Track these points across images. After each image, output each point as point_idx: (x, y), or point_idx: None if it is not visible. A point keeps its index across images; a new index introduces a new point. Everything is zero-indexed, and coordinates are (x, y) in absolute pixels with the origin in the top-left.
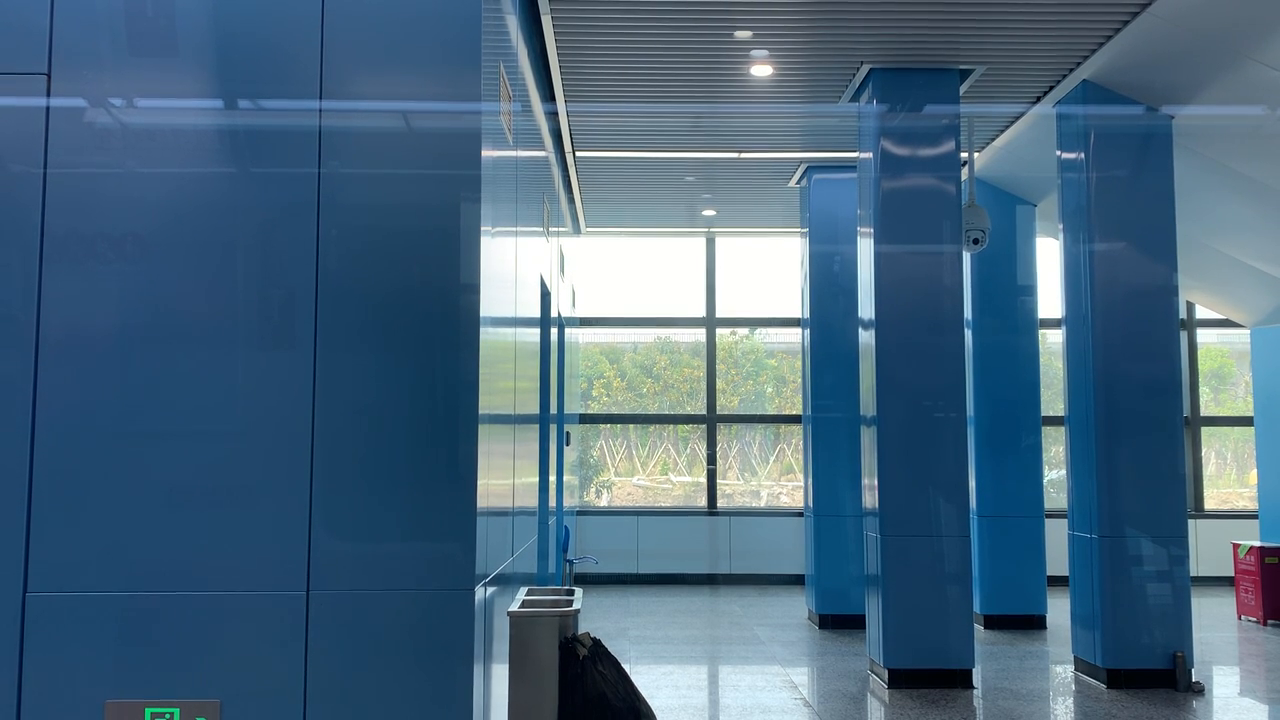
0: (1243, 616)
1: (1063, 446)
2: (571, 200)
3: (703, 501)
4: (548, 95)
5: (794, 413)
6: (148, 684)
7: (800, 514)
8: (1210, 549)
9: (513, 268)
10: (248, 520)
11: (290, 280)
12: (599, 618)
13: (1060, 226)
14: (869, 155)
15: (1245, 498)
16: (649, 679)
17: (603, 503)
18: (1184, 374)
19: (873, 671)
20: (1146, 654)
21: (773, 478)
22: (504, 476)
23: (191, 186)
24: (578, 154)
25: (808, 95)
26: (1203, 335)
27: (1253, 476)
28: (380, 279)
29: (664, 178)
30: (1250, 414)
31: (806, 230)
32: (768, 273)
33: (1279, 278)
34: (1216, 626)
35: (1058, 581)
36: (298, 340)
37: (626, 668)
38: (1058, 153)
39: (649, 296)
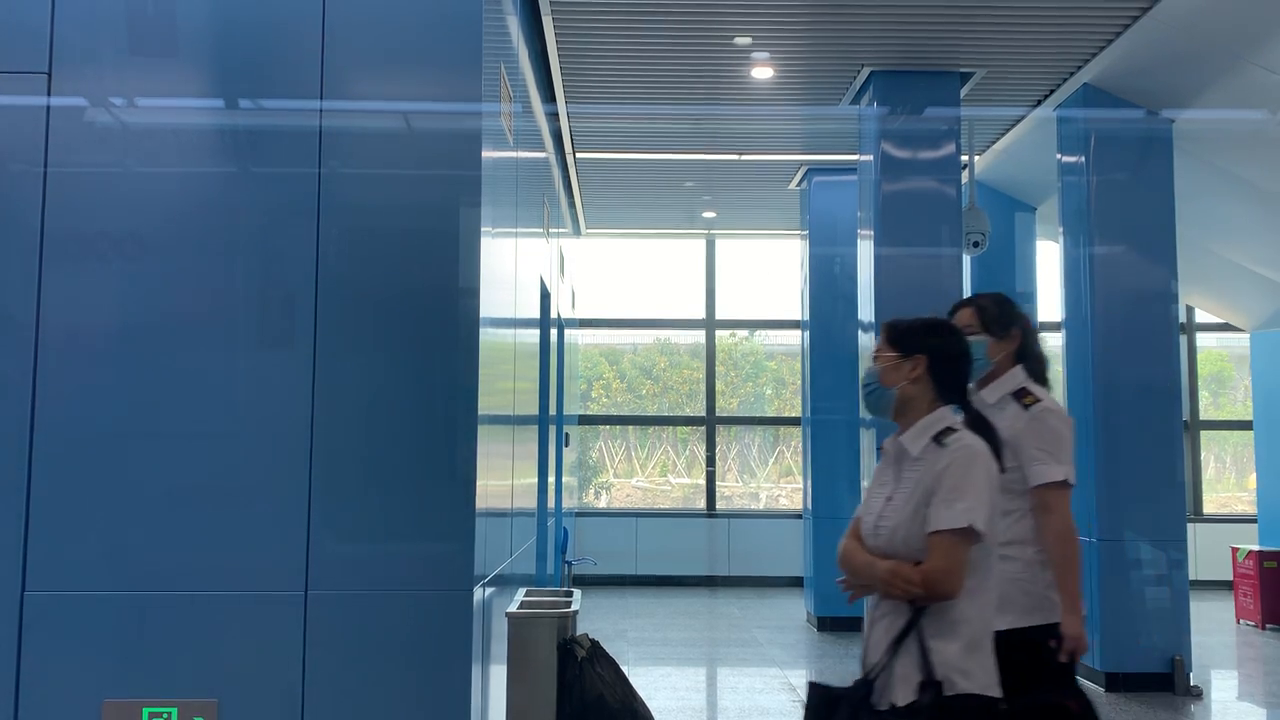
0: (1241, 620)
1: None
2: (572, 201)
3: (701, 503)
4: (548, 96)
5: (793, 415)
6: (145, 683)
7: (799, 516)
8: (1209, 553)
9: (512, 269)
10: (246, 520)
11: (290, 280)
12: (597, 619)
13: (1060, 230)
14: (869, 158)
15: (1244, 502)
16: (647, 680)
17: (602, 504)
18: (1183, 378)
19: None
20: (1145, 658)
21: (772, 480)
22: (503, 477)
23: (191, 186)
24: (578, 155)
25: (808, 97)
26: (1202, 339)
27: (1252, 480)
28: (380, 280)
29: (664, 179)
30: (1249, 418)
31: (806, 232)
32: (767, 275)
33: (1278, 282)
34: (1215, 630)
35: None
36: (297, 340)
37: (625, 669)
38: (1058, 156)
39: (649, 298)
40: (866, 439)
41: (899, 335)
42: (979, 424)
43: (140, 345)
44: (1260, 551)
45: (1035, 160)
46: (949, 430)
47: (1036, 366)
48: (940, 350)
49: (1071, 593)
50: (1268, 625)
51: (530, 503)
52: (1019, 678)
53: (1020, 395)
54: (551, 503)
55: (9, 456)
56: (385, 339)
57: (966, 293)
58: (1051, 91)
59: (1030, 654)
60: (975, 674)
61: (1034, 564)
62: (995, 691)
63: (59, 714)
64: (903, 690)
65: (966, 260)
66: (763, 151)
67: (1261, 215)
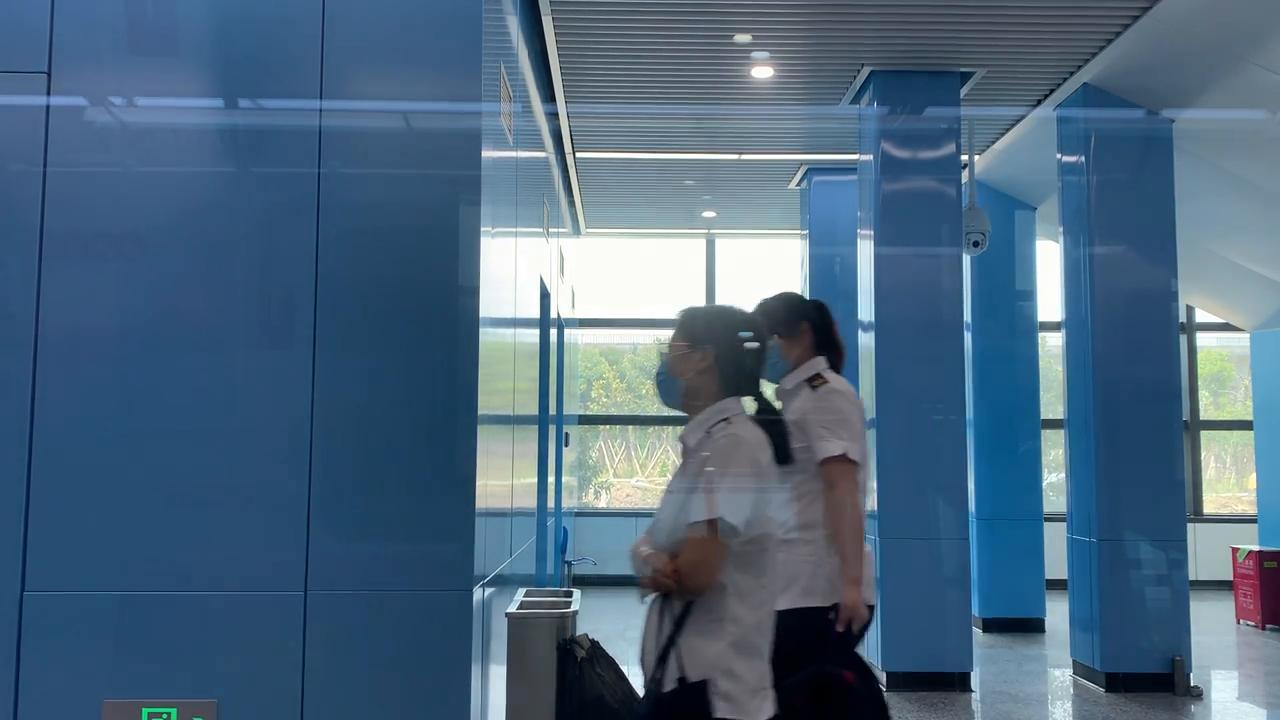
0: (1241, 621)
1: (1062, 450)
2: (571, 201)
3: None
4: (548, 96)
5: None
6: (145, 683)
7: None
8: (1209, 553)
9: (512, 268)
10: (246, 520)
11: (289, 280)
12: (597, 619)
13: (1060, 230)
14: (869, 157)
15: (1244, 502)
16: None
17: (601, 504)
18: (1183, 378)
19: None
20: (1145, 658)
21: None
22: (502, 477)
23: (191, 186)
24: (578, 155)
25: (808, 97)
26: (1202, 339)
27: (1252, 480)
28: (380, 279)
29: (664, 179)
30: (1249, 418)
31: (806, 232)
32: (767, 275)
33: (1278, 282)
34: (1215, 631)
35: (1056, 585)
36: (297, 340)
37: (625, 670)
38: (1058, 156)
39: (648, 298)
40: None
41: (690, 325)
42: (767, 415)
43: (140, 345)
44: (1260, 551)
45: (1035, 160)
46: (723, 421)
47: (834, 356)
48: (729, 343)
49: (851, 564)
50: (1268, 625)
51: (530, 503)
52: (801, 654)
53: (812, 380)
54: (551, 503)
55: (8, 456)
56: (385, 338)
57: (966, 294)
58: (1051, 91)
59: (811, 631)
60: (743, 675)
61: (827, 547)
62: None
63: (59, 714)
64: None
65: (966, 260)
66: (763, 151)
67: (1261, 215)
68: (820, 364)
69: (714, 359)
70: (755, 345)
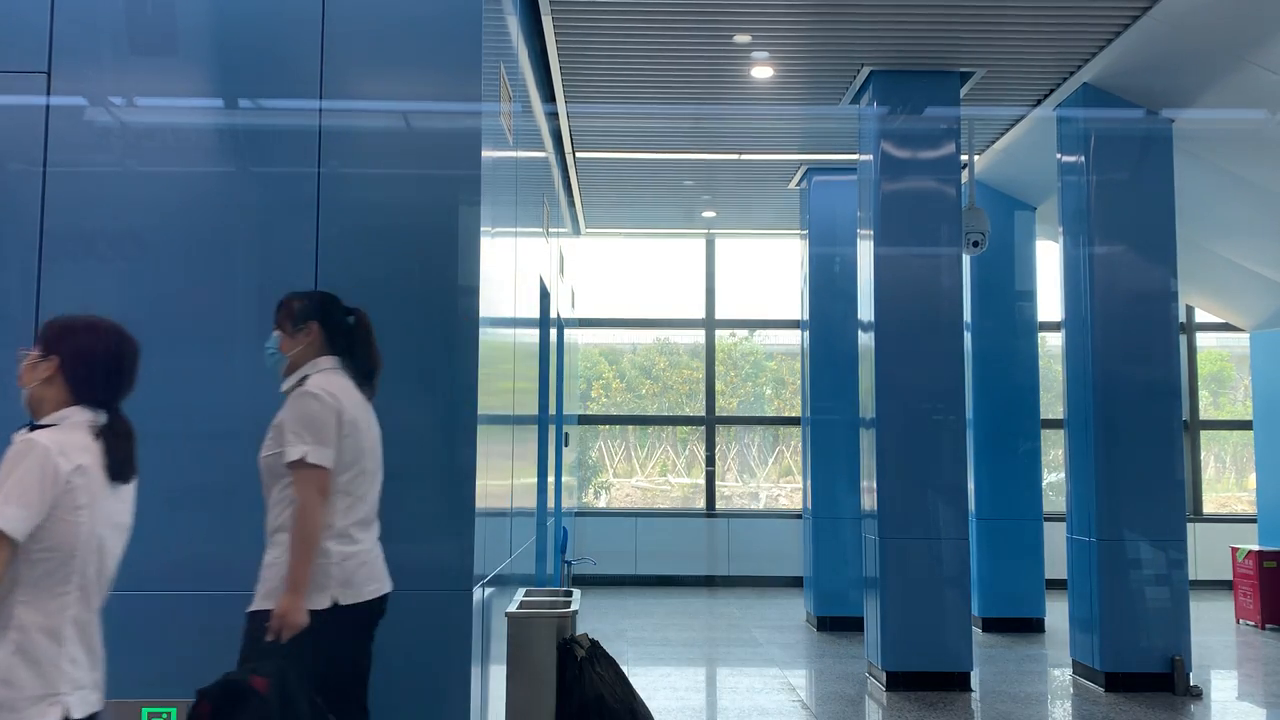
0: (1241, 620)
1: (1061, 449)
2: (571, 201)
3: (701, 503)
4: (548, 95)
5: (793, 415)
6: (145, 683)
7: (799, 516)
8: (1209, 553)
9: (512, 268)
10: (246, 520)
11: (290, 280)
12: (597, 619)
13: (1060, 229)
14: (869, 157)
15: (1244, 501)
16: (646, 680)
17: (601, 504)
18: (1183, 377)
19: (871, 674)
20: (1145, 658)
21: (771, 479)
22: (502, 477)
23: (191, 185)
24: (578, 155)
25: (808, 97)
26: (1202, 339)
27: (1251, 480)
28: (380, 279)
29: (664, 179)
30: (1249, 418)
31: (806, 232)
32: (767, 275)
33: (1278, 281)
34: (1215, 630)
35: (1056, 585)
36: None
37: (624, 669)
38: (1058, 156)
39: (648, 298)
40: (866, 439)
41: (45, 334)
42: (117, 429)
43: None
44: (1260, 551)
45: (1035, 160)
46: (36, 427)
47: (359, 364)
48: (75, 354)
49: (294, 570)
50: (1268, 625)
51: (530, 503)
52: (259, 655)
53: (299, 383)
54: (551, 503)
55: None
56: (385, 338)
57: (966, 294)
58: (1051, 91)
59: (265, 632)
60: (22, 683)
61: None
62: (53, 691)
63: None
64: None
65: (966, 260)
66: (763, 151)
67: (1261, 214)
68: (321, 365)
69: (58, 367)
70: (107, 357)
